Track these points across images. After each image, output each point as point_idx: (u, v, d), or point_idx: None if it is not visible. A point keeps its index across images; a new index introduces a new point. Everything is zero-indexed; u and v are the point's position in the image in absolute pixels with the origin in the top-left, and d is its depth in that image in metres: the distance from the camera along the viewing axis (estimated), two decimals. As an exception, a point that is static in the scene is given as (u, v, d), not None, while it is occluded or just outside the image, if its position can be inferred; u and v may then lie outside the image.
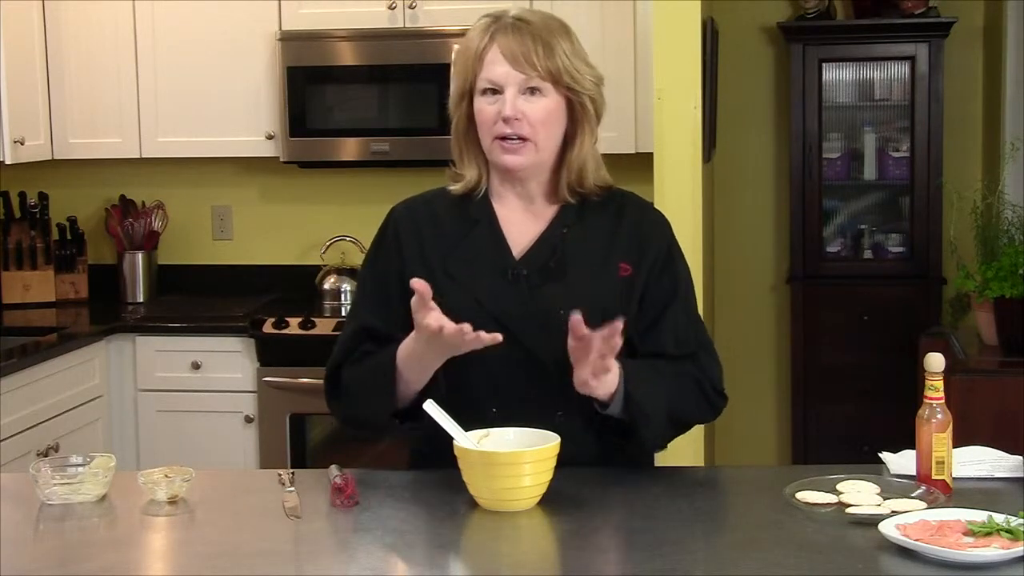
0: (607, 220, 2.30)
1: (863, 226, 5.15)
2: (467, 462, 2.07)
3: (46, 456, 3.67)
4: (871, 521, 1.93)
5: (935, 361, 2.07)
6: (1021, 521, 1.85)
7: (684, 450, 3.63)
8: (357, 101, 4.46)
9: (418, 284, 2.06)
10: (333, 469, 2.19)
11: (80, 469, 2.19)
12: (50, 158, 4.56)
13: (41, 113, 4.49)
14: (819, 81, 5.02)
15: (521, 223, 2.30)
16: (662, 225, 2.35)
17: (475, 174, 2.30)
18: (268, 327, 4.25)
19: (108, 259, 4.86)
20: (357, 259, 4.49)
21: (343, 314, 4.41)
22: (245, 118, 4.51)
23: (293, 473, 2.26)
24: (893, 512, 1.95)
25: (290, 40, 4.42)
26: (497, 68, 2.20)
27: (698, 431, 3.70)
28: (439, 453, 2.14)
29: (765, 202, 5.30)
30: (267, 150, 4.51)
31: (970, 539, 1.84)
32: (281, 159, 4.51)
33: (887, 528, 1.87)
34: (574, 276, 2.25)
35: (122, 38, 4.54)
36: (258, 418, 4.27)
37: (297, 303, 4.56)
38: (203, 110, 4.53)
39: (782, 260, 5.26)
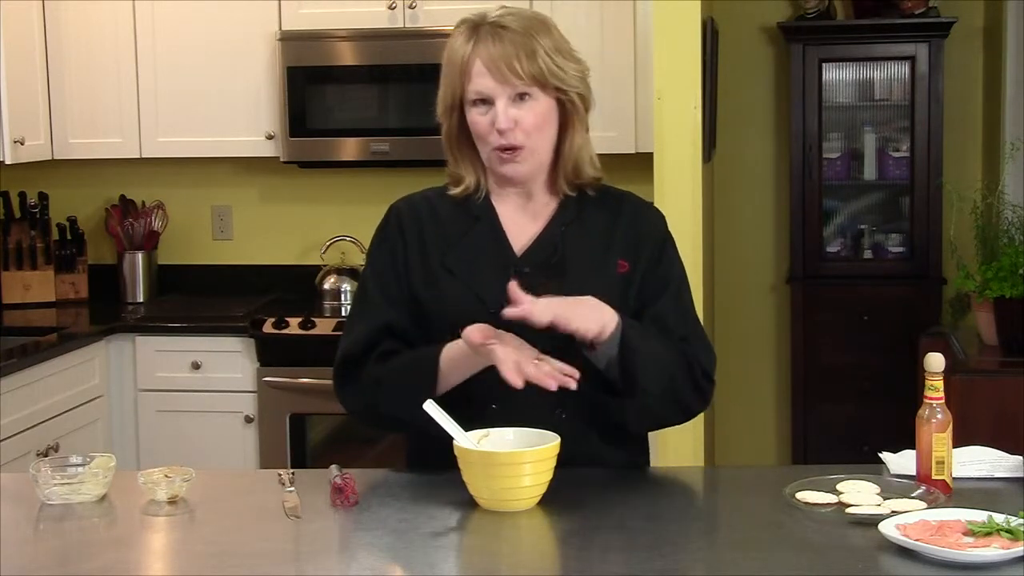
0: (605, 218, 2.32)
1: (863, 226, 5.15)
2: (467, 462, 2.07)
3: (46, 456, 3.67)
4: (871, 521, 1.92)
5: (935, 361, 2.07)
6: (1021, 521, 1.85)
7: (684, 450, 3.64)
8: (357, 101, 4.45)
9: (475, 335, 2.09)
10: (333, 469, 2.19)
11: (80, 469, 2.19)
12: (50, 158, 4.56)
13: (41, 113, 4.49)
14: (819, 81, 5.02)
15: (521, 220, 2.32)
16: (658, 221, 2.37)
17: (473, 180, 2.32)
18: (268, 327, 4.25)
19: (108, 259, 4.85)
20: (357, 259, 4.49)
21: (343, 314, 4.40)
22: (245, 118, 4.50)
23: (293, 473, 2.26)
24: (893, 512, 1.95)
25: (290, 40, 4.42)
26: (484, 80, 2.22)
27: (698, 431, 3.70)
28: (439, 453, 2.14)
29: (765, 202, 5.30)
30: (267, 150, 4.51)
31: (970, 539, 1.84)
32: (281, 159, 4.51)
33: (887, 528, 1.87)
34: (575, 273, 2.26)
35: (122, 38, 4.54)
36: (258, 418, 4.27)
37: (297, 303, 4.56)
38: (203, 110, 4.53)
39: (782, 260, 5.26)
